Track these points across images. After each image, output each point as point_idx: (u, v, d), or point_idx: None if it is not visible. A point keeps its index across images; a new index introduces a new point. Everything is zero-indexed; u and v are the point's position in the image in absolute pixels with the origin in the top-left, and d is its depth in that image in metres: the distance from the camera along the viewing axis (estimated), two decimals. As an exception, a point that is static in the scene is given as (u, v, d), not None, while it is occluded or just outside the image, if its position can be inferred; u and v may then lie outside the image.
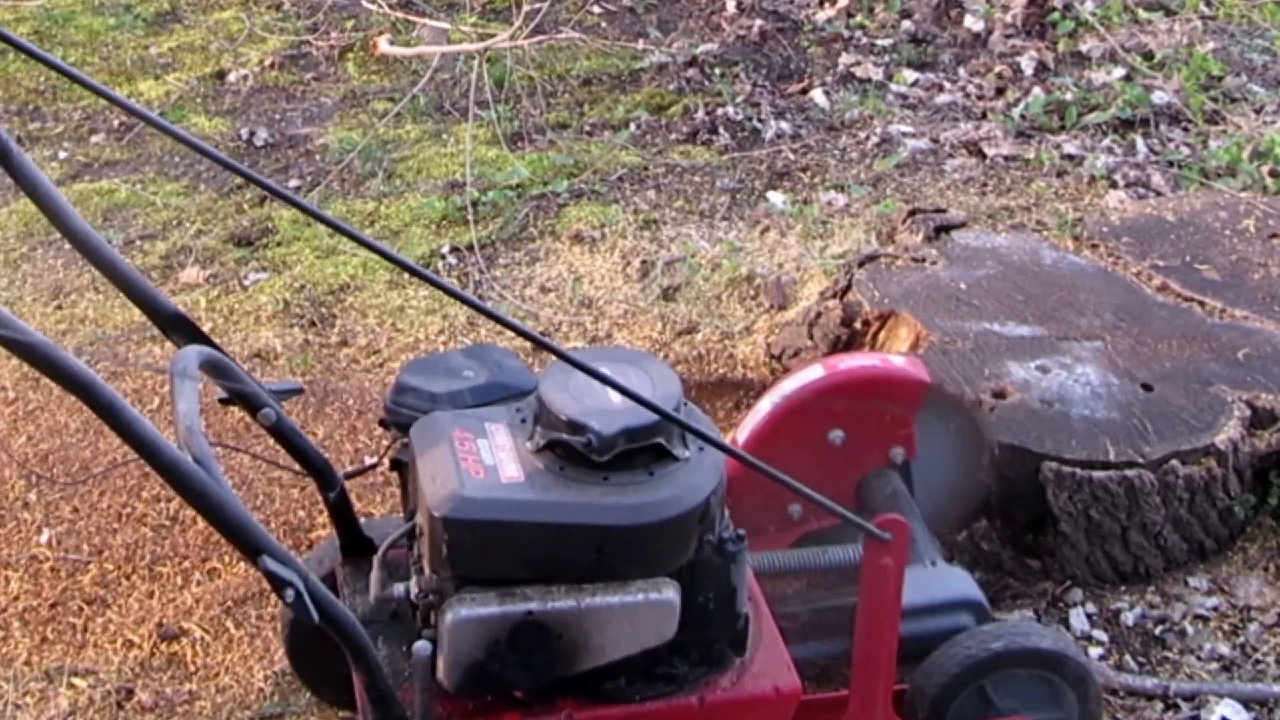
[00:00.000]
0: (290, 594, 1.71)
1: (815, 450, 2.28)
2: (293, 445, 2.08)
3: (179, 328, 1.96)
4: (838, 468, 2.09)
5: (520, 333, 1.80)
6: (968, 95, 5.09)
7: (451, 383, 2.09)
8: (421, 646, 1.84)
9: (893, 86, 5.18)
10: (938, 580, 2.31)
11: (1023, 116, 4.86)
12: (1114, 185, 4.34)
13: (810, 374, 2.38)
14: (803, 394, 2.35)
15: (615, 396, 1.90)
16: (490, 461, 1.90)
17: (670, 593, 1.90)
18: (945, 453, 2.53)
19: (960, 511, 2.64)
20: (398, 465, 2.14)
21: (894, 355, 2.79)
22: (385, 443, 2.18)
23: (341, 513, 2.19)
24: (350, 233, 1.64)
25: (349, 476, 2.26)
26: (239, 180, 4.57)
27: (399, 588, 1.99)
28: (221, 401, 2.01)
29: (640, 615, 1.89)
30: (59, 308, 3.78)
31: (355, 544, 2.22)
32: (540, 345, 1.77)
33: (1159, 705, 2.47)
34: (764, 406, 2.36)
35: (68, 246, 4.03)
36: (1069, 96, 4.92)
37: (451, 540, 1.84)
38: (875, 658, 2.13)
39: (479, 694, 1.93)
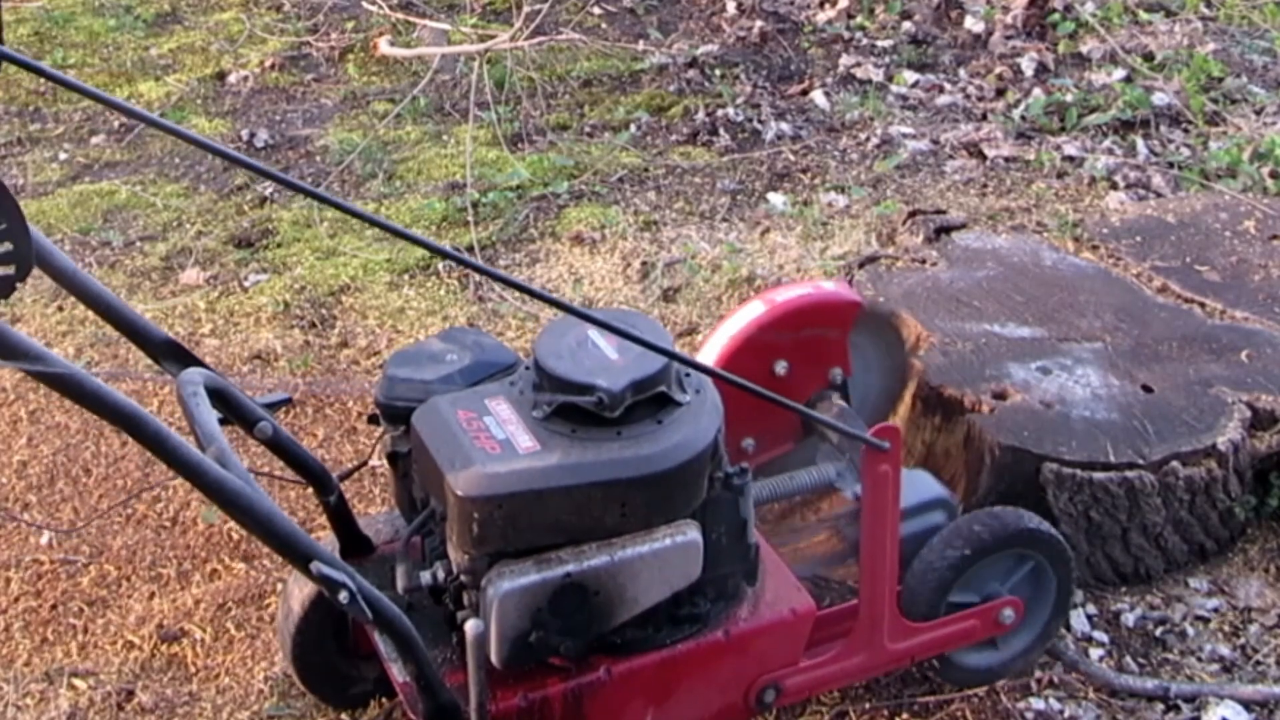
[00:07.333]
0: (345, 595, 1.75)
1: (762, 383, 2.34)
2: (290, 455, 2.09)
3: (171, 354, 1.99)
4: (785, 396, 2.13)
5: (529, 291, 1.79)
6: (968, 96, 5.09)
7: (440, 368, 2.11)
8: (475, 625, 1.84)
9: (893, 88, 5.18)
10: (907, 484, 2.38)
11: (1023, 118, 4.86)
12: (1114, 186, 4.34)
13: (751, 311, 2.43)
14: (747, 331, 2.40)
15: (613, 353, 1.96)
16: (502, 436, 1.93)
17: (694, 533, 1.96)
18: (872, 363, 2.62)
19: (889, 410, 2.75)
20: (394, 458, 2.14)
21: (824, 281, 2.84)
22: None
23: (340, 515, 2.21)
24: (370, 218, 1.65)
25: (343, 478, 2.28)
26: (239, 181, 4.58)
27: (424, 575, 2.01)
28: (219, 422, 2.02)
29: (669, 559, 1.94)
30: (60, 309, 3.77)
31: (354, 544, 2.24)
32: (549, 302, 1.79)
33: (1159, 707, 2.47)
34: (712, 348, 2.41)
35: (68, 247, 4.05)
36: (1069, 98, 4.92)
37: (481, 518, 1.86)
38: (880, 561, 2.20)
39: (524, 665, 1.96)
